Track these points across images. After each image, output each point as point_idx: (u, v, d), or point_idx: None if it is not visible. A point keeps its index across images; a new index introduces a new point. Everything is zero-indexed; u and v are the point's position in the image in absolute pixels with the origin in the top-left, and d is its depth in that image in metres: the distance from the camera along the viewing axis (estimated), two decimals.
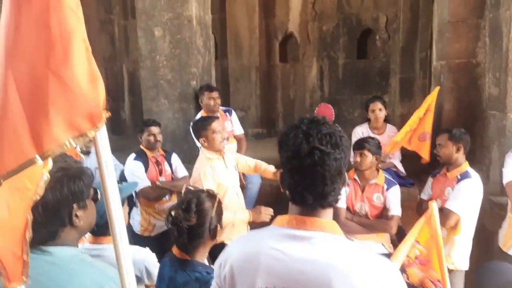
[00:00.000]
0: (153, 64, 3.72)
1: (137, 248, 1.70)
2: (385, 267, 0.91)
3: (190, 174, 3.54)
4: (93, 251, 1.57)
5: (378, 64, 5.55)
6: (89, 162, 3.20)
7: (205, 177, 2.42)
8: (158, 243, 2.75)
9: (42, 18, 0.77)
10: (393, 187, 2.58)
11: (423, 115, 3.11)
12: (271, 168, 2.72)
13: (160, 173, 2.96)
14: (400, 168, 3.28)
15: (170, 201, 2.99)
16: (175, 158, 3.12)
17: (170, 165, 3.07)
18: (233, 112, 3.74)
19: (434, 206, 1.84)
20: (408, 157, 3.29)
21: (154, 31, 3.67)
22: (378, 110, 3.29)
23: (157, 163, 2.98)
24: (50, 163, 0.79)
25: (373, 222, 2.59)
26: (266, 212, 2.43)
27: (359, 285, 0.85)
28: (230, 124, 3.60)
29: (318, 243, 0.91)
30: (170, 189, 2.96)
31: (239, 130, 3.67)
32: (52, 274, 0.96)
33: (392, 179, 2.67)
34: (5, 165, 0.75)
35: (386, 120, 3.38)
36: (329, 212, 0.96)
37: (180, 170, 3.10)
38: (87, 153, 3.02)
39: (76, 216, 1.04)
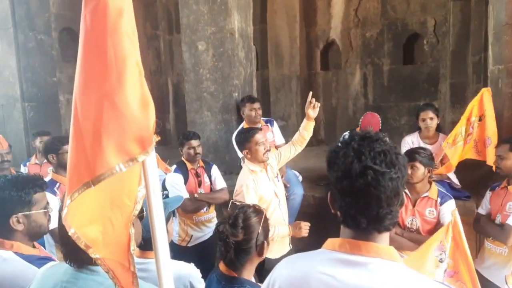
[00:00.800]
0: (197, 77, 3.81)
1: (182, 263, 1.71)
2: None
3: (231, 185, 3.57)
4: (140, 265, 1.59)
5: (426, 69, 5.30)
6: None
7: (247, 190, 2.41)
8: (194, 253, 2.84)
9: (100, 44, 0.79)
10: (448, 201, 2.41)
11: (480, 121, 2.89)
12: (302, 125, 2.66)
13: (199, 184, 3.00)
14: (454, 179, 3.07)
15: (208, 213, 3.03)
16: (214, 170, 3.15)
17: (210, 177, 3.10)
18: (275, 123, 3.73)
19: (456, 214, 1.77)
20: (463, 167, 3.07)
21: (197, 45, 3.75)
22: (429, 119, 3.10)
23: (197, 174, 3.03)
24: (143, 181, 0.82)
25: (426, 238, 2.43)
26: (305, 228, 2.40)
27: None
28: (271, 135, 3.59)
29: (374, 270, 0.84)
30: (207, 201, 2.99)
31: (280, 140, 3.65)
32: None
33: (446, 192, 2.51)
34: (71, 188, 0.78)
35: (438, 129, 3.18)
36: (385, 236, 0.89)
37: (219, 182, 3.12)
38: None
39: None
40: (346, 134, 3.60)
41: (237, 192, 2.49)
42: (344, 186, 0.86)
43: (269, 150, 2.53)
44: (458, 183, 3.08)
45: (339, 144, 0.90)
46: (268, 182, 2.55)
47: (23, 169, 3.72)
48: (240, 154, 3.44)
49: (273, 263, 1.09)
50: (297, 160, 4.02)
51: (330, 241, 0.93)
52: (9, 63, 4.57)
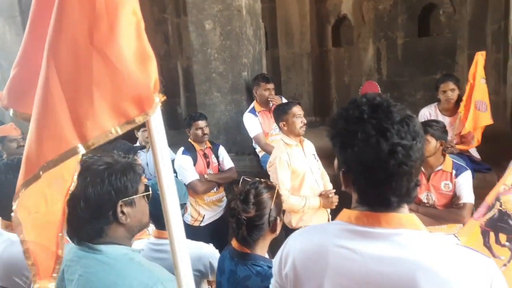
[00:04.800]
0: (205, 57, 3.74)
1: (202, 244, 1.70)
2: (481, 263, 0.77)
3: (243, 165, 3.54)
4: (157, 246, 1.58)
5: (442, 41, 5.09)
6: (148, 156, 3.32)
7: (280, 163, 2.46)
8: (207, 233, 2.91)
9: None
10: (464, 172, 2.34)
11: (473, 80, 2.82)
12: (328, 186, 2.72)
13: (208, 165, 3.03)
14: (474, 152, 2.97)
15: (218, 193, 3.08)
16: (221, 150, 3.17)
17: (217, 157, 3.12)
18: (283, 99, 3.65)
19: None
20: (483, 139, 2.96)
21: (204, 25, 3.67)
22: (450, 91, 2.99)
23: (205, 155, 3.05)
24: (82, 151, 0.72)
25: (442, 212, 2.37)
26: (335, 199, 2.52)
27: (450, 282, 0.73)
28: None
29: (398, 240, 0.79)
30: (217, 181, 3.02)
31: None
32: (101, 273, 0.94)
33: (461, 163, 2.43)
34: (44, 155, 0.69)
35: (459, 100, 3.06)
36: (405, 204, 0.84)
37: (227, 162, 3.15)
38: (142, 147, 3.12)
39: (123, 213, 1.01)
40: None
41: (270, 164, 2.55)
42: (371, 170, 0.78)
43: (306, 124, 2.58)
44: (478, 156, 2.98)
45: (352, 121, 0.79)
46: (304, 157, 2.58)
47: None
48: (251, 134, 3.40)
49: None
50: (311, 140, 3.96)
51: (346, 213, 0.87)
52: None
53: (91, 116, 0.68)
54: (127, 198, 1.01)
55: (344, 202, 0.93)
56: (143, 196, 1.09)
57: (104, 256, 0.97)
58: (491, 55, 4.58)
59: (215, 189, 3.03)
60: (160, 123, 0.81)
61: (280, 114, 2.59)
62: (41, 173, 0.70)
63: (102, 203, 0.97)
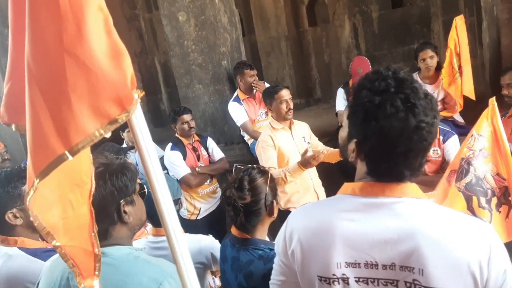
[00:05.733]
0: (182, 50, 3.68)
1: (201, 236, 1.70)
2: (479, 227, 0.80)
3: (233, 155, 3.54)
4: (157, 244, 1.58)
5: (416, 10, 5.12)
6: (137, 157, 3.29)
7: (262, 145, 2.48)
8: (205, 225, 2.89)
9: None
10: (451, 137, 2.38)
11: (454, 47, 2.82)
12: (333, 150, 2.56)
13: (198, 158, 3.02)
14: (457, 117, 3.01)
15: (211, 184, 3.06)
16: (210, 142, 3.16)
17: (207, 149, 3.11)
18: (267, 84, 3.64)
19: (494, 102, 1.73)
20: (465, 102, 3.01)
21: (178, 17, 3.60)
22: (429, 58, 2.99)
23: (194, 149, 3.03)
24: (69, 157, 0.71)
25: (432, 178, 2.41)
26: (315, 158, 2.29)
27: (452, 248, 0.76)
28: None
29: (401, 208, 0.81)
30: (209, 173, 3.01)
31: None
32: (108, 275, 0.93)
33: (448, 129, 2.47)
34: (37, 166, 0.69)
35: (439, 67, 3.08)
36: None
37: (217, 153, 3.14)
38: (131, 148, 3.09)
39: (125, 212, 1.02)
40: (341, 90, 3.52)
41: (256, 148, 2.58)
42: (393, 144, 0.78)
43: (291, 109, 2.52)
44: (462, 120, 3.03)
45: (371, 91, 0.78)
46: (291, 141, 2.57)
47: None
48: (238, 123, 3.39)
49: None
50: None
51: (349, 186, 0.88)
52: None
53: (72, 121, 0.67)
54: (128, 197, 1.03)
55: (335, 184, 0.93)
56: (139, 194, 1.10)
57: (108, 258, 0.97)
58: (466, 19, 4.60)
59: (208, 181, 3.03)
60: (142, 119, 0.79)
61: (267, 98, 2.59)
62: (36, 183, 0.69)
63: (106, 204, 0.98)
